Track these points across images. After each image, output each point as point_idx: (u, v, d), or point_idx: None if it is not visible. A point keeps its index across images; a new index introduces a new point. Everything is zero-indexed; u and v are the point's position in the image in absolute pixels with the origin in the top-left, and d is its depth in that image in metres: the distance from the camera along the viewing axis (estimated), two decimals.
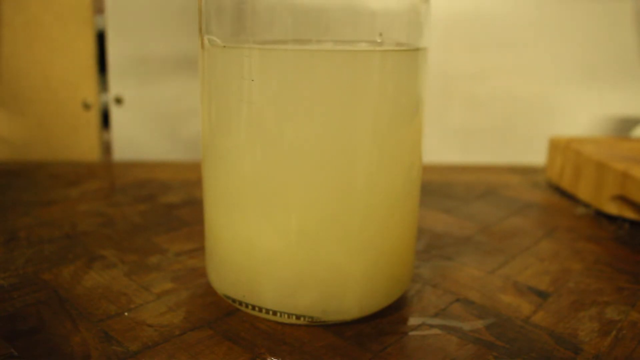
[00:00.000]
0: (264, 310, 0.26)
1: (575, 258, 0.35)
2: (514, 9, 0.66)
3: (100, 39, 0.63)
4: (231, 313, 0.27)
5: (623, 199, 0.42)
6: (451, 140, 0.69)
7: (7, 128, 0.61)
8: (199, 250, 0.35)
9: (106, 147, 0.66)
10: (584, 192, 0.46)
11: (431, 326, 0.27)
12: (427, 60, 0.27)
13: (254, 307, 0.26)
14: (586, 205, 0.46)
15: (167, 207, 0.43)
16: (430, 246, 0.37)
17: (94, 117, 0.62)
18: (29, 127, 0.61)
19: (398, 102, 0.25)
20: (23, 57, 0.60)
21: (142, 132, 0.65)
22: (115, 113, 0.64)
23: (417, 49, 0.26)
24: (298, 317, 0.26)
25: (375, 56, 0.24)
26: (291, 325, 0.26)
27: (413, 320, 0.27)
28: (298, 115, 0.24)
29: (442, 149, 0.68)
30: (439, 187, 0.51)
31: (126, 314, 0.27)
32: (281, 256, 0.25)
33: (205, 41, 0.25)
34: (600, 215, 0.44)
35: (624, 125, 0.70)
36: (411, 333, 0.26)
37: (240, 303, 0.27)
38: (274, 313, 0.26)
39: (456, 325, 0.27)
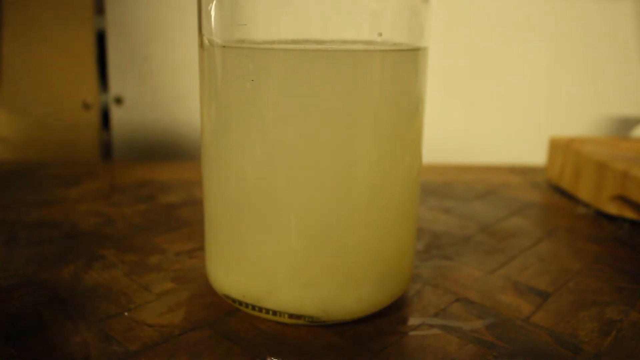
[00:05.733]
0: (264, 310, 0.26)
1: (575, 258, 0.35)
2: (514, 9, 0.66)
3: (100, 39, 0.63)
4: (231, 313, 0.27)
5: (623, 199, 0.42)
6: (451, 140, 0.69)
7: (7, 128, 0.61)
8: (199, 250, 0.35)
9: (106, 147, 0.66)
10: (584, 192, 0.46)
11: (431, 326, 0.27)
12: (427, 60, 0.27)
13: (254, 307, 0.26)
14: (586, 205, 0.46)
15: (167, 207, 0.43)
16: (430, 246, 0.37)
17: (94, 117, 0.62)
18: (29, 127, 0.61)
19: (398, 102, 0.25)
20: (23, 57, 0.60)
21: (142, 132, 0.65)
22: (115, 113, 0.64)
23: (417, 49, 0.26)
24: (298, 317, 0.26)
25: (375, 56, 0.24)
26: (291, 325, 0.26)
27: (413, 320, 0.27)
28: (298, 115, 0.24)
29: (442, 149, 0.68)
30: (439, 187, 0.51)
31: (126, 314, 0.27)
32: (281, 256, 0.25)
33: (205, 41, 0.25)
34: (600, 215, 0.44)
35: (624, 125, 0.70)
36: (411, 333, 0.26)
37: (240, 303, 0.27)
38: (274, 313, 0.26)
39: (456, 325, 0.27)
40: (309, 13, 0.23)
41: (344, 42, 0.24)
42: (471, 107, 0.68)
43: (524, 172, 0.57)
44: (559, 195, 0.49)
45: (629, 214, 0.42)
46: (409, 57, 0.25)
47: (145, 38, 0.62)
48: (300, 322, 0.26)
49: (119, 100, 0.64)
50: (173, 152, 0.65)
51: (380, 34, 0.24)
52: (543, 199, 0.48)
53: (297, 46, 0.23)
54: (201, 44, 0.26)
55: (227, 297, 0.27)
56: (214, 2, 0.24)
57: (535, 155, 0.63)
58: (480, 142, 0.69)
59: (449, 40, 0.66)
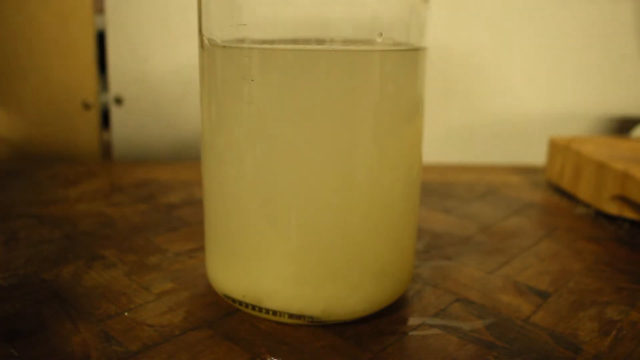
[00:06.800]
0: (264, 310, 0.26)
1: (575, 258, 0.35)
2: (514, 8, 0.66)
3: (100, 39, 0.63)
4: (231, 313, 0.27)
5: (623, 199, 0.42)
6: (451, 140, 0.69)
7: (7, 128, 0.61)
8: (199, 250, 0.35)
9: (106, 147, 0.66)
10: (584, 192, 0.46)
11: (431, 326, 0.27)
12: (427, 60, 0.27)
13: (254, 307, 0.26)
14: (586, 205, 0.46)
15: (167, 207, 0.43)
16: (430, 246, 0.37)
17: (94, 117, 0.62)
18: (29, 127, 0.61)
19: (398, 102, 0.25)
20: (23, 57, 0.60)
21: (142, 132, 0.65)
22: (115, 113, 0.64)
23: (417, 49, 0.26)
24: (298, 317, 0.26)
25: (375, 56, 0.24)
26: (291, 325, 0.26)
27: (413, 320, 0.27)
28: (298, 115, 0.24)
29: (442, 149, 0.68)
30: (439, 187, 0.51)
31: (126, 314, 0.27)
32: (281, 256, 0.25)
33: (205, 41, 0.25)
34: (600, 215, 0.44)
35: (624, 125, 0.70)
36: (411, 333, 0.26)
37: (240, 303, 0.27)
38: (274, 313, 0.26)
39: (456, 325, 0.27)
40: (309, 13, 0.23)
41: (344, 41, 0.24)
42: (471, 107, 0.68)
43: (524, 172, 0.57)
44: (559, 195, 0.49)
45: (629, 214, 0.42)
46: (409, 57, 0.25)
47: (145, 38, 0.62)
48: (300, 322, 0.26)
49: (119, 100, 0.64)
50: (173, 152, 0.65)
51: (380, 34, 0.24)
52: (543, 199, 0.48)
53: (297, 46, 0.23)
54: (201, 44, 0.26)
55: (227, 297, 0.27)
56: (214, 2, 0.24)
57: (535, 155, 0.63)
58: (481, 142, 0.69)
59: (449, 40, 0.66)
